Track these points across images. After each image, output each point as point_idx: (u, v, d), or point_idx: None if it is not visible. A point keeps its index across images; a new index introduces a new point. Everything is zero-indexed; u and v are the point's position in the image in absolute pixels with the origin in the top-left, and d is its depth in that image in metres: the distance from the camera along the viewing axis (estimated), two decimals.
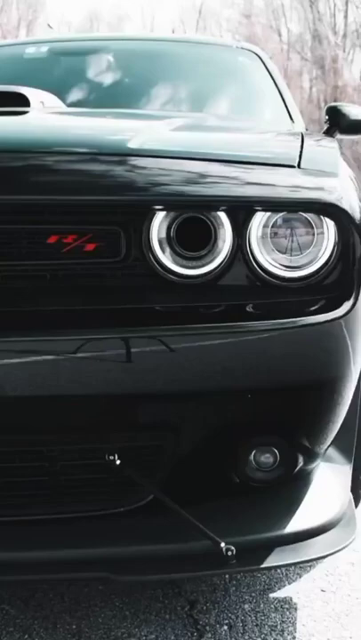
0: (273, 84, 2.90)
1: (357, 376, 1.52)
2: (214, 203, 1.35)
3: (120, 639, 1.72)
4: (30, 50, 3.04)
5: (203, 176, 1.37)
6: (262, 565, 1.44)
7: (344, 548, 1.51)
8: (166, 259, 1.37)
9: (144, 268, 1.38)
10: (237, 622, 1.79)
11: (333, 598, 1.91)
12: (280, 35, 34.45)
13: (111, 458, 1.40)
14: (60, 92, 2.75)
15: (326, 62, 31.21)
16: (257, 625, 1.79)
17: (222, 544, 1.38)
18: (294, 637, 1.75)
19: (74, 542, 1.44)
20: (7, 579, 1.43)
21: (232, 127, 2.15)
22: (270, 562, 1.44)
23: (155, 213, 1.36)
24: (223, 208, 1.35)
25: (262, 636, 1.75)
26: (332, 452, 1.63)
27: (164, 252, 1.37)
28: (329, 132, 2.77)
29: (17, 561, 1.42)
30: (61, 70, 2.98)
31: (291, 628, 1.78)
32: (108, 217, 1.37)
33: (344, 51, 32.21)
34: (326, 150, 1.64)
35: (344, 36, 32.58)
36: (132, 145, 1.42)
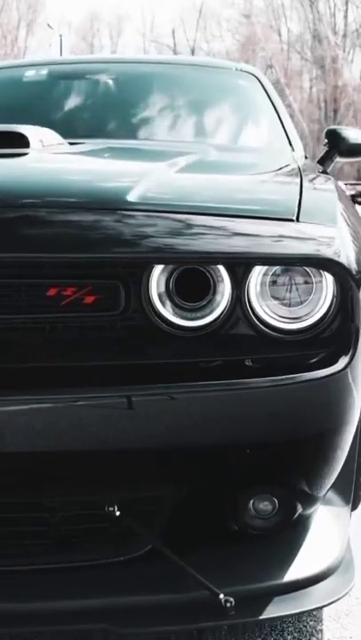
0: (272, 107, 2.91)
1: (358, 419, 1.52)
2: (213, 259, 1.35)
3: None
4: (30, 73, 3.04)
5: (201, 231, 1.37)
6: (262, 617, 1.44)
7: (343, 596, 1.51)
8: (166, 311, 1.37)
9: (143, 320, 1.38)
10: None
11: None
12: (280, 35, 34.48)
13: (111, 509, 1.41)
14: (59, 117, 2.78)
15: (326, 62, 31.26)
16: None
17: (221, 595, 1.38)
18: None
19: (73, 592, 1.43)
20: (5, 630, 1.42)
21: (233, 166, 2.15)
22: (270, 612, 1.44)
23: (153, 267, 1.36)
24: (222, 263, 1.35)
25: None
26: (330, 494, 1.63)
27: (163, 304, 1.37)
28: (328, 156, 2.79)
29: (15, 612, 1.41)
30: (60, 94, 2.99)
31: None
32: (107, 271, 1.37)
33: (344, 51, 32.24)
34: (325, 196, 1.64)
35: (344, 35, 32.62)
36: (132, 198, 1.41)
